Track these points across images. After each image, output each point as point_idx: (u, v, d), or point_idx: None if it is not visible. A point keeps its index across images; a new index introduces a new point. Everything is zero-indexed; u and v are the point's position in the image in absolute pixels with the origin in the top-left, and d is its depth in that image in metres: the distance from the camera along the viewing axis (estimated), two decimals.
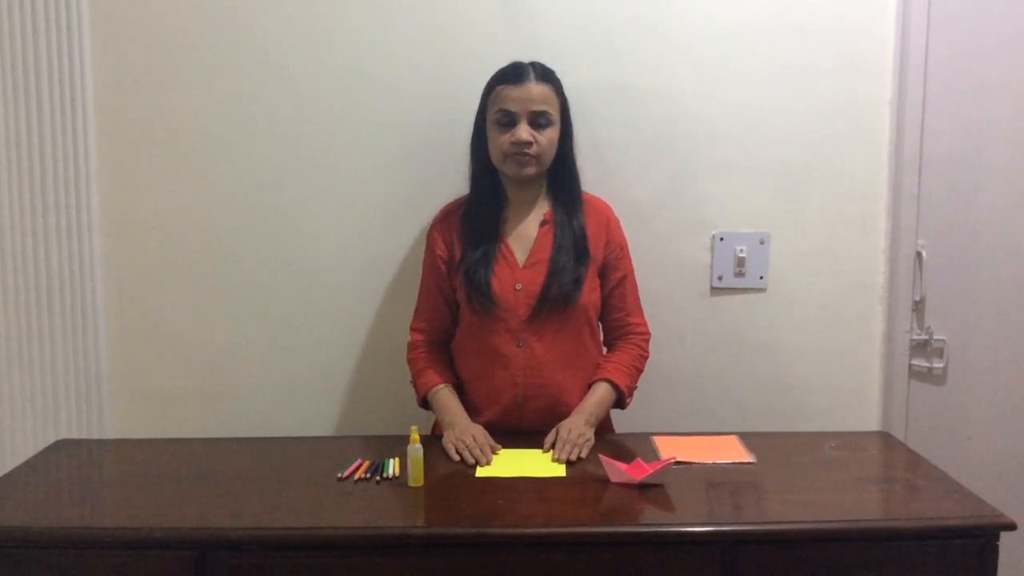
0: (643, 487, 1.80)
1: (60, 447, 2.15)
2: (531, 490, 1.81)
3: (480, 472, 1.90)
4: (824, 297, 2.47)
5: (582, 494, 1.80)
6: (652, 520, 1.70)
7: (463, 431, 2.02)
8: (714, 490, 1.85)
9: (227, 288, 2.41)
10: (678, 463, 1.93)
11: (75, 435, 2.36)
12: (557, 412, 2.09)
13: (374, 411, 2.47)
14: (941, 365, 2.50)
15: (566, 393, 2.11)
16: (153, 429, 2.39)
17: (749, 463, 1.97)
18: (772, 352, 2.48)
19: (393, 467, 1.90)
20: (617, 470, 1.83)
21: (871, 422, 2.50)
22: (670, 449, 2.02)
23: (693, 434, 2.17)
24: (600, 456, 1.89)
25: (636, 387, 2.19)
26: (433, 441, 2.06)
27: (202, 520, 1.69)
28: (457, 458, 1.97)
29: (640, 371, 2.19)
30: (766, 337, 2.48)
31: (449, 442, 2.01)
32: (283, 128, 2.36)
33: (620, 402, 2.16)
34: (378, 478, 1.86)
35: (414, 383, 2.19)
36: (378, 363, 2.45)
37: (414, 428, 1.84)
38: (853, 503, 1.78)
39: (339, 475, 1.88)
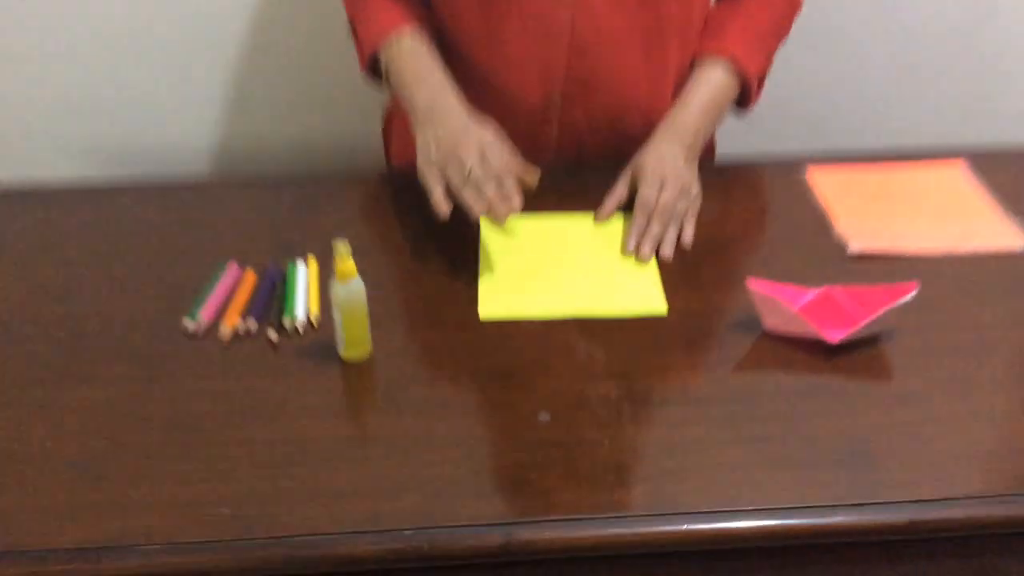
0: (841, 349, 0.85)
1: None
2: (584, 346, 0.86)
3: (485, 280, 0.95)
4: None
5: (693, 375, 0.85)
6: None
7: (461, 136, 0.97)
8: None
9: None
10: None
11: None
12: (621, 128, 1.14)
13: (270, 124, 1.48)
14: None
15: (642, 92, 1.13)
16: None
17: None
18: None
19: (305, 304, 0.91)
20: (781, 310, 0.86)
21: None
22: (873, 213, 1.03)
23: (868, 159, 1.17)
24: (749, 283, 0.88)
25: (770, 68, 1.18)
26: (387, 235, 1.04)
27: None
28: (448, 207, 0.95)
29: (782, 38, 1.19)
30: None
31: (432, 166, 0.97)
32: None
33: (742, 100, 1.17)
34: (273, 333, 0.89)
35: (354, 30, 1.15)
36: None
37: (341, 244, 0.82)
38: None
39: (186, 322, 0.89)
